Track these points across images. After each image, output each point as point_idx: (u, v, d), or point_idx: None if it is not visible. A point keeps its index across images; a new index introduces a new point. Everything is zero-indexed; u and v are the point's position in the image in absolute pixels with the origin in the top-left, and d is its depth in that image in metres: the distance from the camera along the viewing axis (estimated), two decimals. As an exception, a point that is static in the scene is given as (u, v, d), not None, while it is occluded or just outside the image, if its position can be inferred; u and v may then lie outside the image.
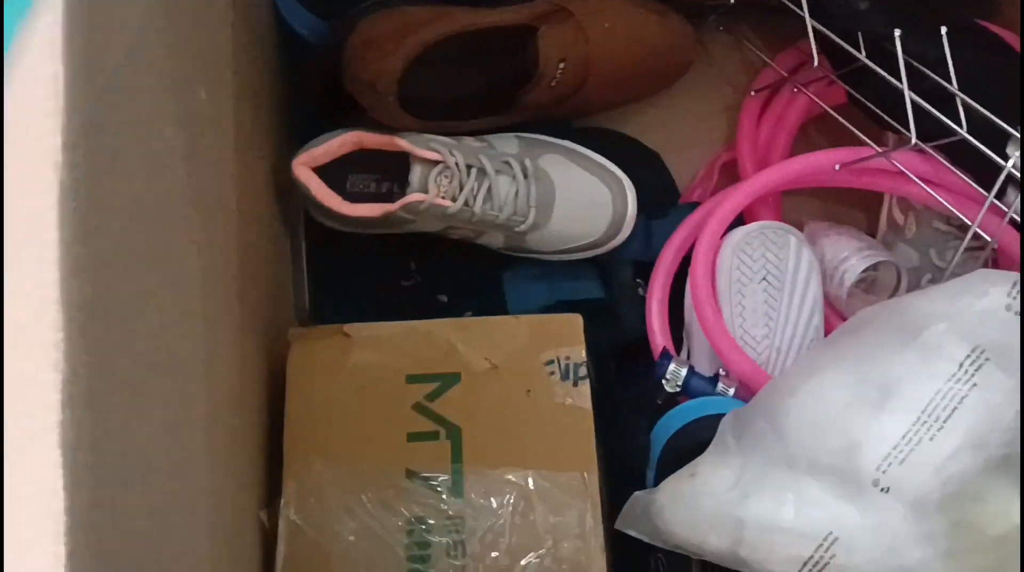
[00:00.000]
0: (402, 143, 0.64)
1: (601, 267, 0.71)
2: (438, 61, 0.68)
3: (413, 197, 0.64)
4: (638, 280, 0.70)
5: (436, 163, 0.64)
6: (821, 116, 0.72)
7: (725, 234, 0.65)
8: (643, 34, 0.70)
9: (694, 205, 0.71)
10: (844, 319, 0.66)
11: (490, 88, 0.69)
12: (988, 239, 0.60)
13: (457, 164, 0.64)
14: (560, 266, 0.70)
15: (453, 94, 0.69)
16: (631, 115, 0.76)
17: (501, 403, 0.57)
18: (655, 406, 0.63)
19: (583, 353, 0.58)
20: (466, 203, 0.65)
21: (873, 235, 0.71)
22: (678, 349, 0.67)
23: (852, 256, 0.65)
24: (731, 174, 0.73)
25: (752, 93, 0.72)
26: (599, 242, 0.68)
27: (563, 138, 0.71)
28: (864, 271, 0.64)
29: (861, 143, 0.65)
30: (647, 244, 0.70)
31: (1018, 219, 0.59)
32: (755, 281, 0.64)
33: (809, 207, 0.74)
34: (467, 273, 0.72)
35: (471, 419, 0.57)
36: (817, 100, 0.69)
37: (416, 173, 0.65)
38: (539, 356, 0.59)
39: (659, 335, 0.66)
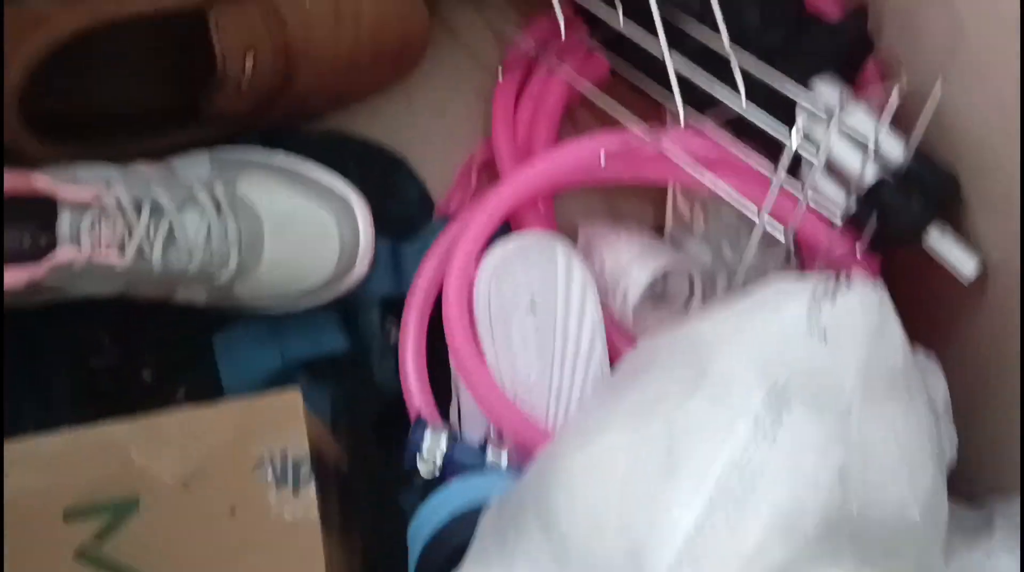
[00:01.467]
0: (38, 180, 0.48)
1: (343, 310, 0.57)
2: (83, 65, 0.52)
3: (61, 254, 0.48)
4: (389, 322, 0.57)
5: (90, 204, 0.49)
6: (587, 96, 0.61)
7: (481, 255, 0.53)
8: (358, 10, 0.56)
9: (450, 219, 0.58)
10: (634, 342, 0.55)
11: (162, 95, 0.53)
12: (782, 228, 0.50)
13: (119, 202, 0.49)
14: (289, 318, 0.55)
15: (109, 107, 0.53)
16: (363, 116, 0.62)
17: (196, 533, 0.43)
18: (421, 487, 0.50)
19: (304, 443, 0.44)
20: (140, 254, 0.49)
21: (662, 233, 0.60)
22: (447, 405, 0.54)
23: (633, 265, 0.54)
24: (494, 174, 0.61)
25: (500, 74, 0.59)
26: (329, 281, 0.54)
27: (274, 150, 0.56)
28: (651, 283, 0.53)
29: (630, 125, 0.54)
30: (396, 275, 0.57)
31: (811, 199, 0.49)
32: (520, 310, 0.51)
33: (587, 205, 0.62)
34: (174, 341, 0.57)
35: (156, 563, 0.42)
36: (574, 76, 0.57)
37: (65, 220, 0.48)
38: (247, 456, 0.44)
39: (416, 394, 0.52)
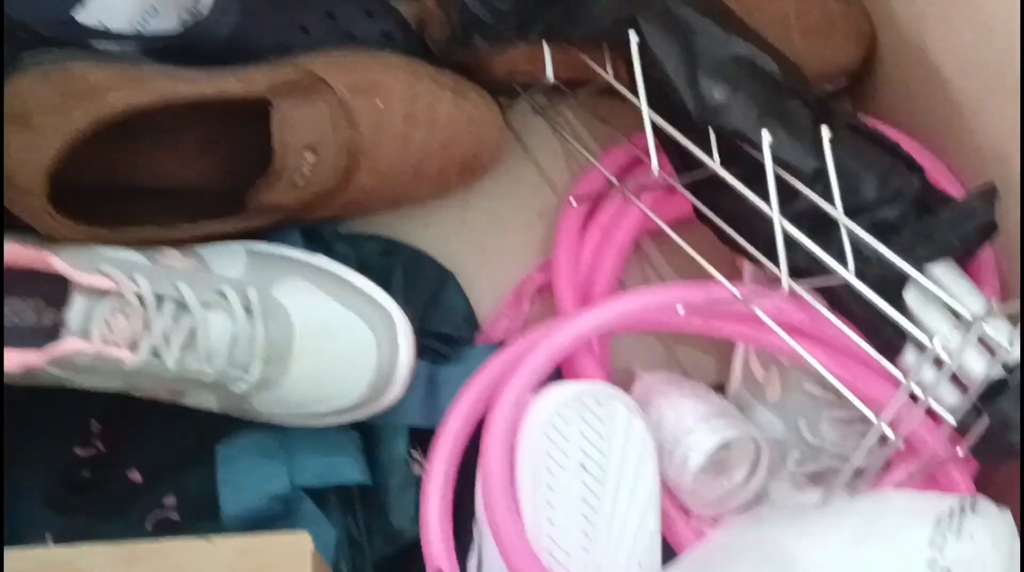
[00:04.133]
0: (56, 262, 0.43)
1: (366, 434, 0.51)
2: (128, 141, 0.48)
3: (66, 344, 0.42)
4: (414, 453, 0.51)
5: (107, 293, 0.44)
6: (660, 230, 0.56)
7: (532, 396, 0.47)
8: (432, 116, 0.52)
9: (496, 346, 0.53)
10: (687, 514, 0.49)
11: (208, 183, 0.49)
12: (885, 426, 0.44)
13: (140, 295, 0.43)
14: (304, 433, 0.49)
15: (149, 189, 0.49)
16: (416, 220, 0.57)
17: None
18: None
19: None
20: (155, 353, 0.44)
21: (723, 389, 0.55)
22: (465, 552, 0.48)
23: (697, 428, 0.48)
24: (548, 302, 0.56)
25: (571, 200, 0.55)
26: (360, 404, 0.48)
27: (316, 249, 0.51)
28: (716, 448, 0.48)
29: (711, 275, 0.49)
30: (431, 403, 0.51)
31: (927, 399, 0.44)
32: (569, 468, 0.46)
33: (645, 349, 0.57)
34: (171, 440, 0.51)
35: None
36: (650, 213, 0.52)
37: (77, 307, 0.43)
38: None
39: (435, 545, 0.46)
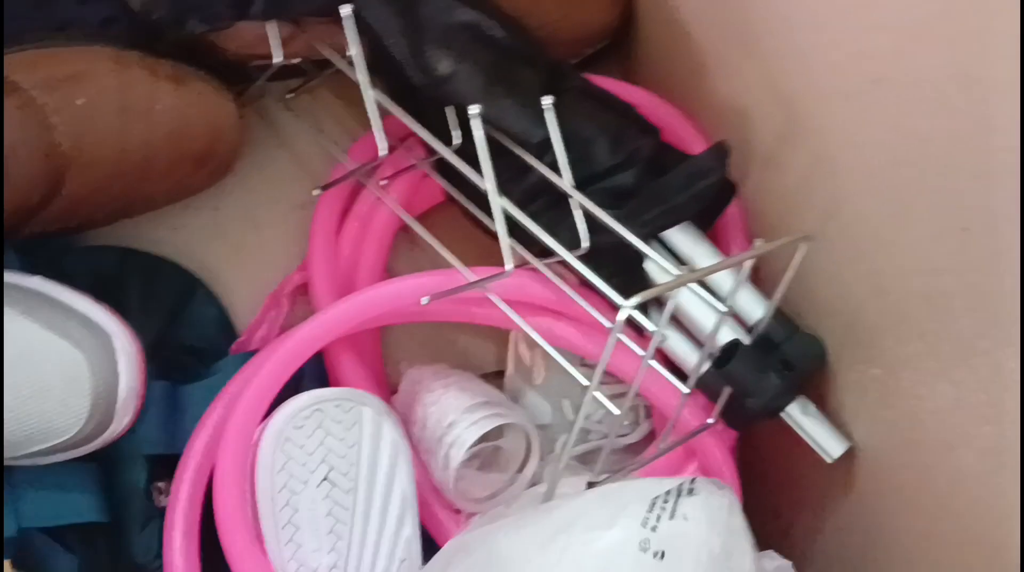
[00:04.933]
0: None
1: (102, 463, 0.47)
2: None
3: None
4: (159, 484, 0.46)
5: None
6: (426, 217, 0.53)
7: (272, 410, 0.44)
8: (151, 107, 0.47)
9: (251, 355, 0.49)
10: (458, 514, 0.46)
11: None
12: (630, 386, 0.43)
13: None
14: (31, 471, 0.44)
15: None
16: (164, 224, 0.52)
17: None
18: None
19: None
20: None
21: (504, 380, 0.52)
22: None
23: (459, 422, 0.45)
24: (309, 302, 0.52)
25: (315, 191, 0.51)
26: (82, 438, 0.43)
27: (38, 268, 0.46)
28: (478, 443, 0.45)
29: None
30: (174, 426, 0.47)
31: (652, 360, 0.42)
32: (312, 485, 0.42)
33: (423, 340, 0.54)
34: None
35: None
36: (390, 201, 0.49)
37: None
38: None
39: (179, 580, 0.42)
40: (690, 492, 0.32)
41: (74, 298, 0.45)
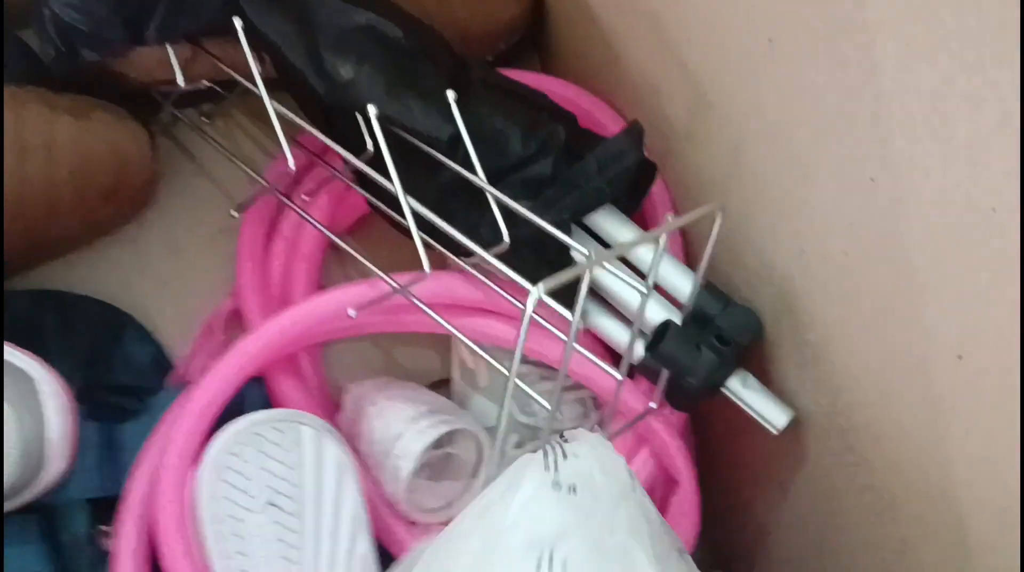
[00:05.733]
0: None
1: (43, 513, 0.45)
2: None
3: None
4: (102, 528, 0.45)
5: None
6: (356, 228, 0.52)
7: (208, 440, 0.42)
8: (50, 143, 0.46)
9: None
10: (413, 525, 0.45)
11: None
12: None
13: None
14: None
15: None
16: (84, 263, 0.51)
17: None
18: None
19: None
20: None
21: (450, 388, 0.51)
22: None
23: (406, 432, 0.44)
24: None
25: (233, 213, 0.50)
26: (14, 488, 0.42)
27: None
28: (427, 451, 0.44)
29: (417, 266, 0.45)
30: (112, 467, 0.45)
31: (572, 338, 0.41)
32: (257, 510, 0.41)
33: (363, 357, 0.53)
34: None
35: None
36: (308, 217, 0.48)
37: None
38: None
39: (126, 626, 0.41)
40: (567, 440, 0.33)
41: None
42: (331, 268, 0.53)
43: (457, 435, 0.47)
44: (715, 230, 0.37)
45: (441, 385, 0.52)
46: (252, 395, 0.48)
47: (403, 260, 0.46)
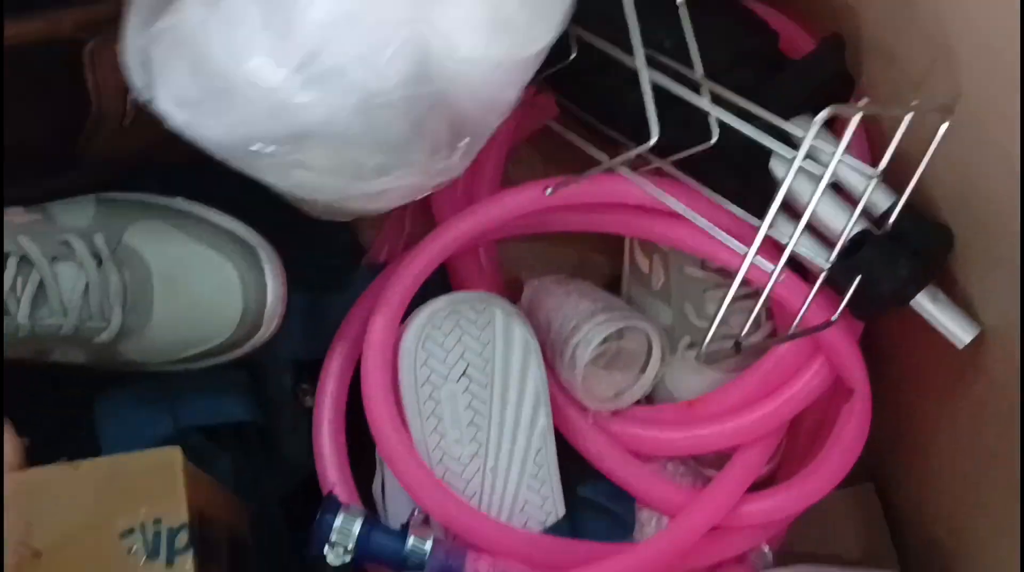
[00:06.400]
0: None
1: (251, 370, 0.50)
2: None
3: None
4: (304, 386, 0.50)
5: (-59, 254, 0.41)
6: (539, 134, 0.55)
7: (409, 314, 0.46)
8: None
9: (382, 268, 0.52)
10: (585, 411, 0.48)
11: (29, 137, 0.46)
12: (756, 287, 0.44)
13: (-24, 252, 0.41)
14: (187, 376, 0.48)
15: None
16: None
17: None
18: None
19: (182, 509, 0.38)
20: (6, 310, 0.42)
21: (618, 289, 0.54)
22: (370, 481, 0.47)
23: (584, 324, 0.47)
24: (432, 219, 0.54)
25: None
26: (233, 343, 0.46)
27: (176, 191, 0.49)
28: (602, 343, 0.47)
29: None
30: (314, 333, 0.50)
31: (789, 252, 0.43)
32: (452, 379, 0.45)
33: (535, 255, 0.55)
34: (54, 403, 0.49)
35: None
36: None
37: (-87, 272, 0.41)
38: (112, 523, 0.37)
39: (330, 469, 0.45)
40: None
41: (219, 216, 0.48)
42: (511, 170, 0.56)
43: (627, 331, 0.49)
44: (939, 134, 0.37)
45: (606, 289, 0.55)
46: (433, 282, 0.51)
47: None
